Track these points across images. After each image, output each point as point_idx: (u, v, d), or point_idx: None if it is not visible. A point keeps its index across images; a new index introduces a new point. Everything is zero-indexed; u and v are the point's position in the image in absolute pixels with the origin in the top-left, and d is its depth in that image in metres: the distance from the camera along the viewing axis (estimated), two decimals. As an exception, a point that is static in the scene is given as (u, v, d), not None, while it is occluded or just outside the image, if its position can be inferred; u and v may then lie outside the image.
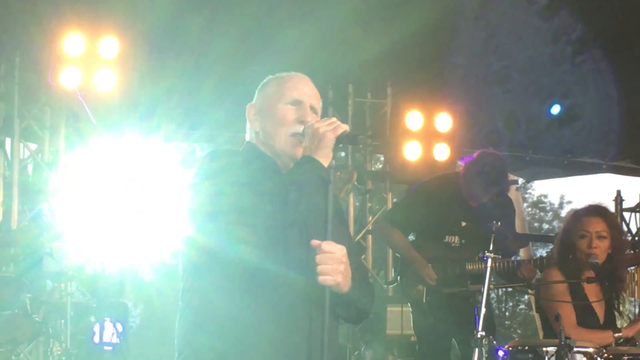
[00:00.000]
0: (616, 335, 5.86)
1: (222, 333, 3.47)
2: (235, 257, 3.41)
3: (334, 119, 3.54)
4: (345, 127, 3.53)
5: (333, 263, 3.45)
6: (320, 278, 3.43)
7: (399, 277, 7.90)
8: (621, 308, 6.13)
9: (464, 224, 7.23)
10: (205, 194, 3.53)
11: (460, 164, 7.39)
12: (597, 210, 6.19)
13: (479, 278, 6.40)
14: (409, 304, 7.76)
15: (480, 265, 7.12)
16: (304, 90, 3.70)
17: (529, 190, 27.12)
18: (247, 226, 3.40)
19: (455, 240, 7.27)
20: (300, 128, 3.61)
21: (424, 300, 7.33)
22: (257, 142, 3.72)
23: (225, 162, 3.60)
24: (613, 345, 5.79)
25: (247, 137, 3.78)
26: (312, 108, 3.67)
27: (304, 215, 3.47)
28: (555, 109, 7.07)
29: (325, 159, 3.50)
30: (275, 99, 3.68)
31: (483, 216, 7.08)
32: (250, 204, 3.43)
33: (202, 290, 3.55)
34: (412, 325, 7.57)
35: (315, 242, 3.45)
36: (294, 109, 3.66)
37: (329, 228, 3.47)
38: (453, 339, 7.18)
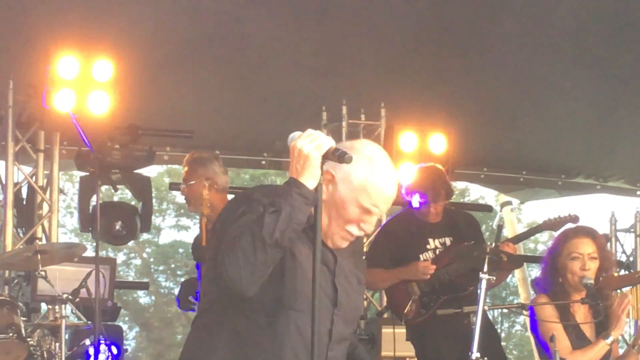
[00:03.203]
0: (608, 341, 5.83)
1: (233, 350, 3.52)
2: (235, 283, 3.39)
3: (318, 134, 3.48)
4: (330, 143, 3.48)
5: None
6: None
7: (390, 308, 8.00)
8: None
9: (431, 240, 7.55)
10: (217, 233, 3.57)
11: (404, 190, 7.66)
12: (586, 232, 6.16)
13: (469, 276, 6.45)
14: (404, 327, 7.78)
15: (459, 265, 7.24)
16: (384, 204, 3.67)
17: (522, 212, 27.10)
18: (242, 254, 3.37)
19: (429, 256, 7.54)
20: (353, 230, 3.64)
21: (419, 319, 7.40)
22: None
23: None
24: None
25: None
26: (379, 220, 3.70)
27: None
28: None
29: (312, 179, 3.43)
30: (354, 195, 3.60)
31: (446, 227, 7.55)
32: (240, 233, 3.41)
33: (215, 311, 3.59)
34: (415, 354, 7.69)
35: None
36: (361, 212, 3.62)
37: (317, 253, 3.41)
38: None
